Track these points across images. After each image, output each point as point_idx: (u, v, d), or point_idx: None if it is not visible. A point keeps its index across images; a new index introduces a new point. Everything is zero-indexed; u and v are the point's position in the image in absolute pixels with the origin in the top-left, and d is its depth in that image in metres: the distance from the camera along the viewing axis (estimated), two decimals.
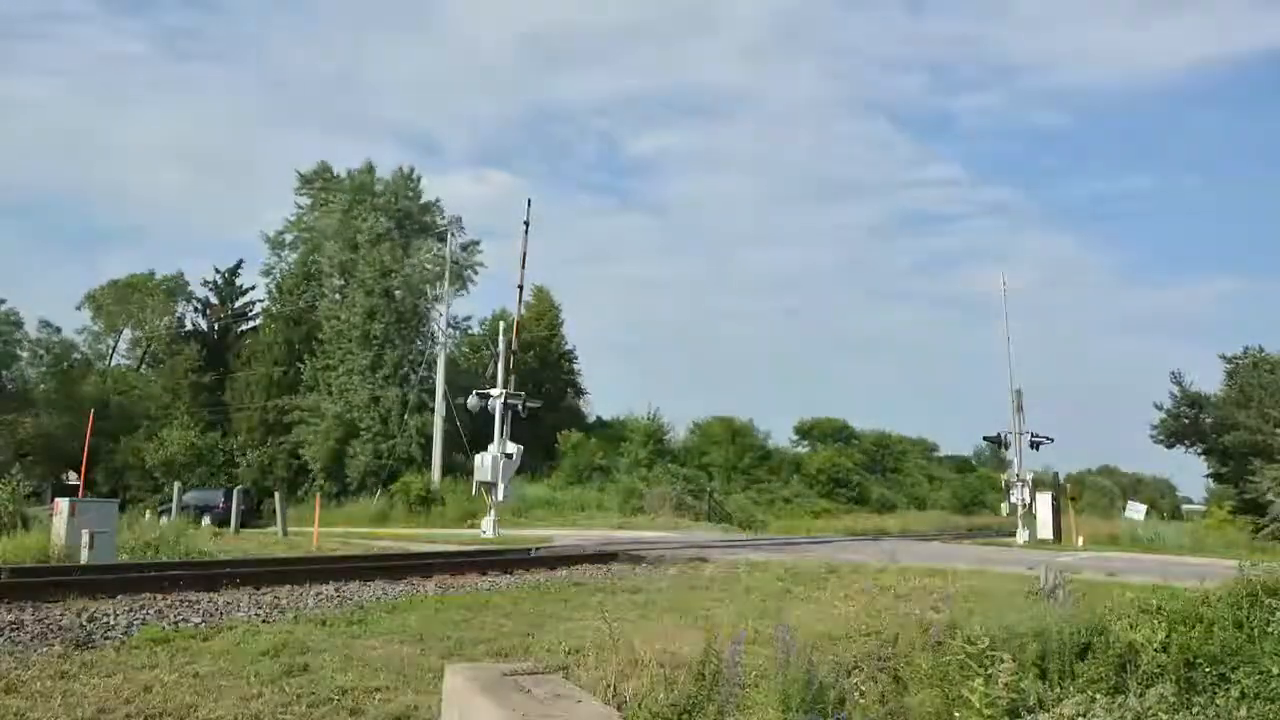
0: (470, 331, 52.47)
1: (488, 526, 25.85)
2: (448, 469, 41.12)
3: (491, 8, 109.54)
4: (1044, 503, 32.32)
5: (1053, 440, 34.36)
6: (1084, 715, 5.56)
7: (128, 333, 59.91)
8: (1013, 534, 32.69)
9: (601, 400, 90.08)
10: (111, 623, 8.28)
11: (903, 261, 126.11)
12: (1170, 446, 45.04)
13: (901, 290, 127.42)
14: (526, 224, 28.08)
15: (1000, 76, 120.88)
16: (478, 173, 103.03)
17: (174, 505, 30.76)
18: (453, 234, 48.41)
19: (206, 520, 30.32)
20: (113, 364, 59.00)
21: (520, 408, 26.99)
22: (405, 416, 44.43)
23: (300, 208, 54.69)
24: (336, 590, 11.33)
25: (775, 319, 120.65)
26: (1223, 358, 42.67)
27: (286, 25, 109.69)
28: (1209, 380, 55.18)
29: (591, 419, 57.77)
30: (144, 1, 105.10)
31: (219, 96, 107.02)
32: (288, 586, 11.45)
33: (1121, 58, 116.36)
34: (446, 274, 45.72)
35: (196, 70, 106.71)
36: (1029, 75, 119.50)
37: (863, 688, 5.58)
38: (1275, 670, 6.06)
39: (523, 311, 37.28)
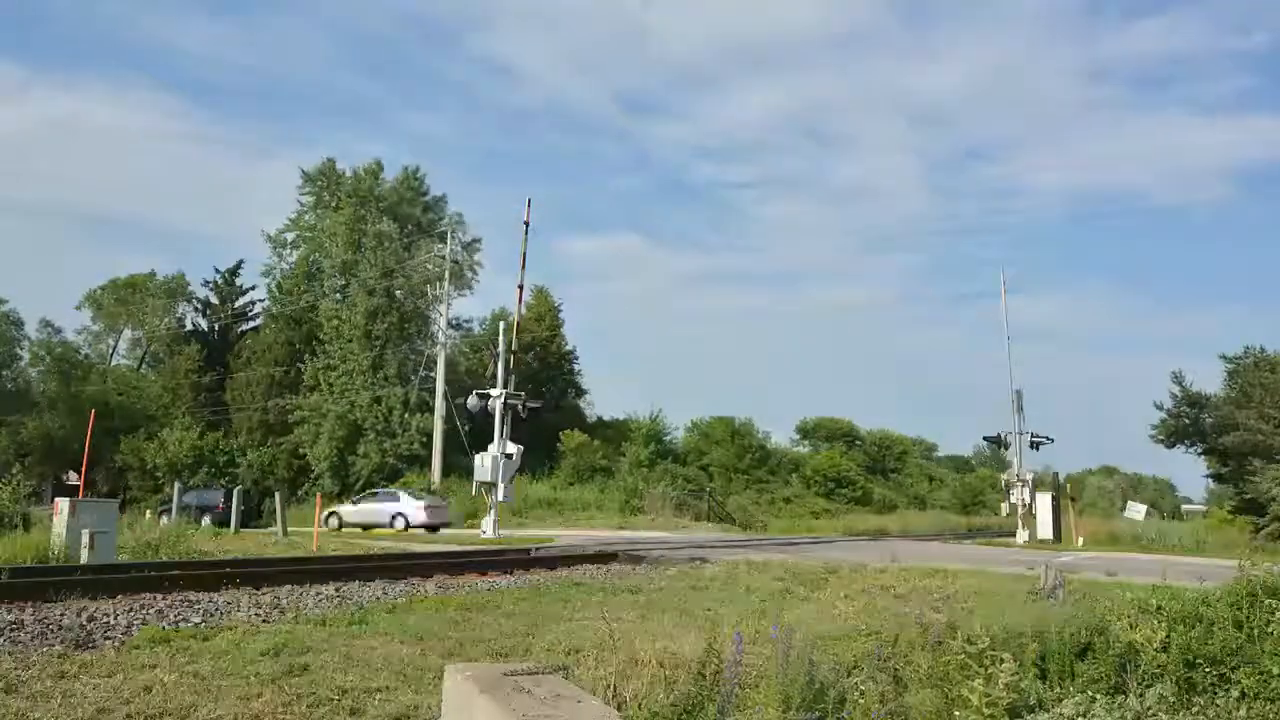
0: (471, 332, 52.55)
1: (488, 526, 25.88)
2: (449, 469, 41.16)
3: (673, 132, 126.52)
4: (1044, 503, 32.29)
5: (1053, 440, 34.37)
6: (1084, 715, 5.57)
7: (128, 333, 60.00)
8: (1013, 534, 32.69)
9: (617, 401, 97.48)
10: (111, 623, 8.28)
11: (942, 293, 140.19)
12: (1170, 446, 44.96)
13: (938, 317, 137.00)
14: (526, 224, 28.11)
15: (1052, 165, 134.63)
16: (612, 235, 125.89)
17: (174, 505, 30.77)
18: (453, 233, 48.43)
19: (206, 520, 30.33)
20: (113, 364, 59.04)
21: (520, 408, 27.01)
22: (406, 416, 44.43)
23: (302, 205, 54.72)
24: (336, 590, 11.32)
25: (825, 334, 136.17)
26: (1223, 358, 42.62)
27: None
28: (1209, 380, 55.18)
29: (592, 419, 57.80)
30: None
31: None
32: (288, 586, 11.44)
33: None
34: (446, 275, 45.72)
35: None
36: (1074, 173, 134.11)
37: (863, 688, 5.58)
38: (1275, 670, 6.06)
39: (523, 312, 37.29)
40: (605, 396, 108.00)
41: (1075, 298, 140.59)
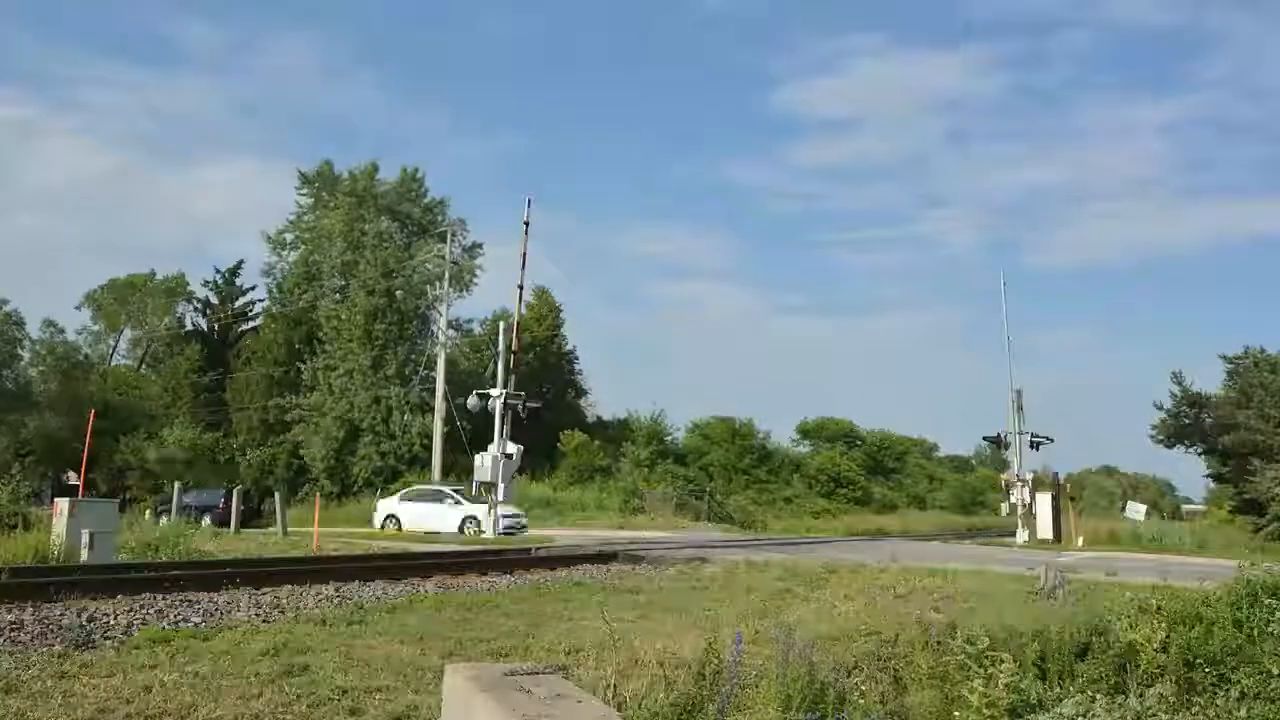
0: (472, 332, 52.55)
1: (488, 527, 25.87)
2: (449, 469, 41.13)
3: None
4: (1044, 503, 32.28)
5: (1053, 440, 34.36)
6: (1084, 715, 5.57)
7: (128, 333, 59.94)
8: (1013, 534, 32.69)
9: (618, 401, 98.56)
10: (111, 623, 8.27)
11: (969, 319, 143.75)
12: (1170, 446, 45.02)
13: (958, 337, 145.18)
14: (526, 224, 28.07)
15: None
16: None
17: (174, 505, 30.74)
18: (454, 235, 48.40)
19: (206, 520, 30.29)
20: (113, 364, 59.01)
21: (520, 408, 27.00)
22: (407, 417, 44.40)
23: (301, 207, 54.67)
24: (336, 590, 11.31)
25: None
26: (1223, 358, 42.66)
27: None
28: (1209, 380, 55.17)
29: (592, 419, 57.80)
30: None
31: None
32: (288, 586, 11.44)
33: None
34: (446, 275, 45.70)
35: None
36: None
37: (863, 688, 5.59)
38: (1275, 670, 6.06)
39: (523, 312, 37.27)
40: (606, 396, 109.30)
41: (1081, 319, 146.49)
